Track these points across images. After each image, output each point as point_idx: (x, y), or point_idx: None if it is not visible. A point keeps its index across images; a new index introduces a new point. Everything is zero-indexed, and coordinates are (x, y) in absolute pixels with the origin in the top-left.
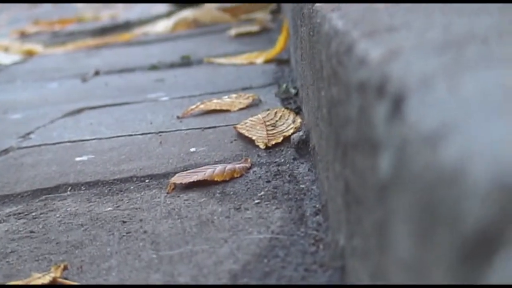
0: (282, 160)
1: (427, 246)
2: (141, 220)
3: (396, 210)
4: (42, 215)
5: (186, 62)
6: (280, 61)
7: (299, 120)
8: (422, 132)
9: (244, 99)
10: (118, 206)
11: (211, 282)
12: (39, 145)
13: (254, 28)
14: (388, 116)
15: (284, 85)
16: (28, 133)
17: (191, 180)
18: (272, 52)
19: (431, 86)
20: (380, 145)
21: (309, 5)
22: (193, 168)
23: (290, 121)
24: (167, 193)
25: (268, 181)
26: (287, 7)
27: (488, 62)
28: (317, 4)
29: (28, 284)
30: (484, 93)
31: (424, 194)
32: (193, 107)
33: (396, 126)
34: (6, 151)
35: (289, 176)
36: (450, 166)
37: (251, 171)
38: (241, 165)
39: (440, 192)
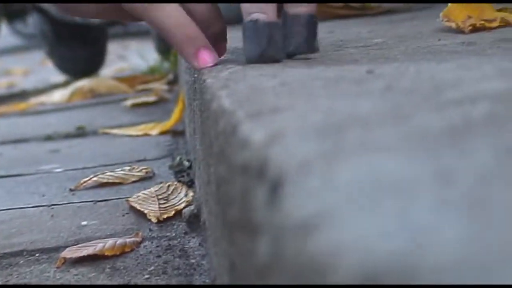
0: (173, 235)
1: None
2: None
3: None
4: None
5: (81, 132)
6: (175, 133)
7: (191, 193)
8: (296, 221)
9: (138, 172)
10: (7, 281)
11: None
12: None
13: (150, 98)
14: (266, 201)
15: (178, 158)
16: None
17: (81, 255)
18: (167, 124)
19: (308, 173)
20: (260, 229)
21: (200, 81)
22: (84, 242)
23: (182, 194)
24: (57, 267)
25: (159, 256)
26: (183, 78)
27: (365, 148)
28: (208, 80)
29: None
30: (357, 182)
31: (297, 284)
32: (86, 179)
33: (274, 212)
34: None
35: (179, 250)
36: (319, 259)
37: (142, 245)
38: (132, 239)
39: (311, 283)
